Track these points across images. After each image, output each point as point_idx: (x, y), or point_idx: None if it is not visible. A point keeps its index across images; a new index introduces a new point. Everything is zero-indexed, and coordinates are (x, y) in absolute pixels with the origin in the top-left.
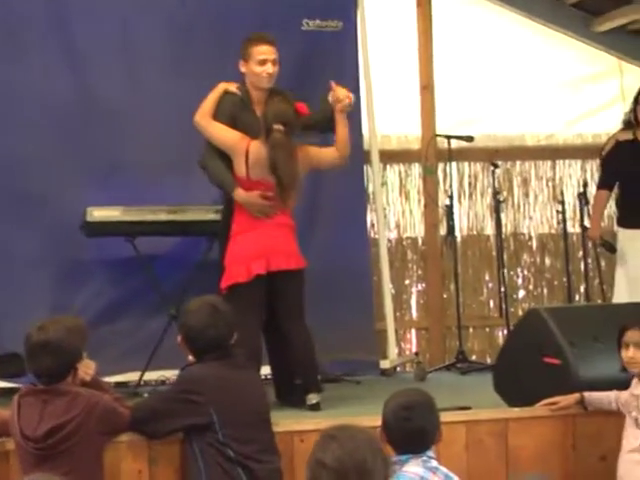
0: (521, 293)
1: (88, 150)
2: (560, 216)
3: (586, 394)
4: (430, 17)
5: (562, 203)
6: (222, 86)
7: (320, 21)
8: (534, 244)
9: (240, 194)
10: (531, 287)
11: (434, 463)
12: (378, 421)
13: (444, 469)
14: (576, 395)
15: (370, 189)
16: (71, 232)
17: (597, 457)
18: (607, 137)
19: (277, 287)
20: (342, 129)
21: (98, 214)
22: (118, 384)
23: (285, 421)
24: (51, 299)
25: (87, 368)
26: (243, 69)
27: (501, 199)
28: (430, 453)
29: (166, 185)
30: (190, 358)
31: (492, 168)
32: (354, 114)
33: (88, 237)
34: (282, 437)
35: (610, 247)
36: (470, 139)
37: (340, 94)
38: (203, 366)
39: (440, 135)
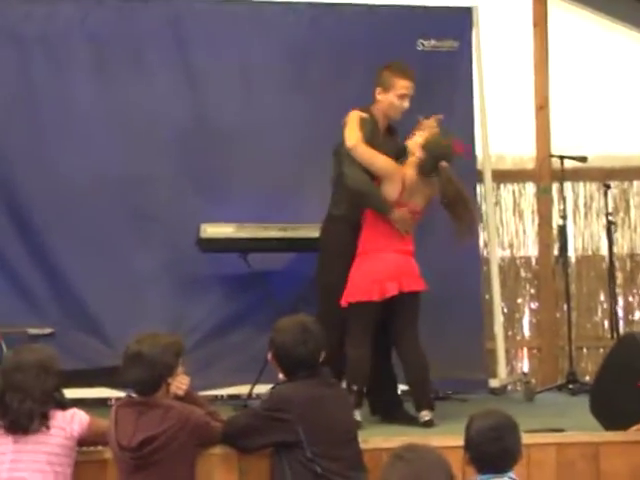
0: (638, 314)
1: (204, 168)
2: None
3: None
4: (546, 36)
5: None
6: (357, 113)
7: (436, 41)
8: None
9: (396, 212)
10: None
11: None
12: (451, 441)
13: None
14: None
15: (483, 208)
16: (188, 248)
17: None
18: None
19: (398, 305)
20: None
21: (211, 230)
22: (230, 396)
23: (374, 438)
24: (169, 314)
25: (180, 383)
26: (379, 97)
27: (613, 220)
28: (511, 474)
29: (279, 203)
30: (281, 376)
31: (604, 189)
32: (468, 134)
33: (203, 252)
34: (371, 454)
35: None
36: (584, 159)
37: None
38: (292, 385)
39: (554, 155)
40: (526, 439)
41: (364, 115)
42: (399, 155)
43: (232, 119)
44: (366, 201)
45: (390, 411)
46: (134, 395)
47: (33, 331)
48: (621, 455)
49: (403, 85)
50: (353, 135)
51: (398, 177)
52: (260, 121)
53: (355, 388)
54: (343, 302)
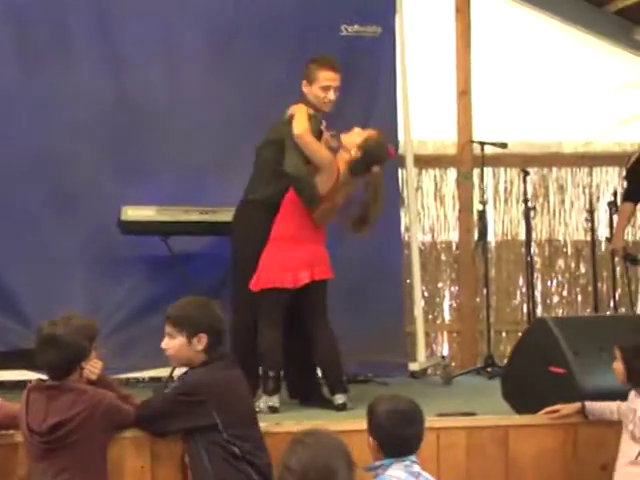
0: (555, 299)
1: (126, 149)
2: (589, 224)
3: (587, 403)
4: (469, 23)
5: (591, 212)
6: (304, 107)
7: (359, 26)
8: (569, 250)
9: (320, 208)
10: (565, 293)
11: (416, 468)
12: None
13: (426, 474)
14: (577, 404)
15: (405, 193)
16: (108, 230)
17: (597, 466)
18: None
19: (308, 293)
20: None
21: (132, 213)
22: (152, 379)
23: (287, 422)
24: (89, 296)
25: (93, 367)
26: (305, 89)
27: (531, 205)
28: (413, 458)
29: (200, 186)
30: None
31: (523, 175)
32: (390, 119)
33: (123, 235)
34: (283, 437)
35: (633, 260)
36: (504, 146)
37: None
38: (206, 369)
39: (474, 141)
40: (436, 423)
41: (311, 111)
42: None
43: (155, 100)
44: (300, 190)
45: (308, 394)
46: (46, 378)
47: None
48: (529, 438)
49: (326, 77)
50: (302, 124)
51: (335, 172)
52: (182, 102)
53: (271, 374)
54: (254, 287)
